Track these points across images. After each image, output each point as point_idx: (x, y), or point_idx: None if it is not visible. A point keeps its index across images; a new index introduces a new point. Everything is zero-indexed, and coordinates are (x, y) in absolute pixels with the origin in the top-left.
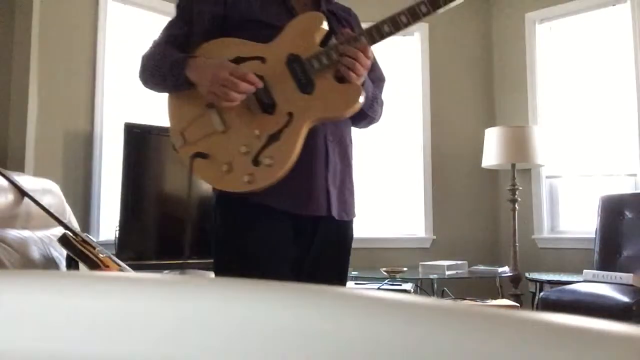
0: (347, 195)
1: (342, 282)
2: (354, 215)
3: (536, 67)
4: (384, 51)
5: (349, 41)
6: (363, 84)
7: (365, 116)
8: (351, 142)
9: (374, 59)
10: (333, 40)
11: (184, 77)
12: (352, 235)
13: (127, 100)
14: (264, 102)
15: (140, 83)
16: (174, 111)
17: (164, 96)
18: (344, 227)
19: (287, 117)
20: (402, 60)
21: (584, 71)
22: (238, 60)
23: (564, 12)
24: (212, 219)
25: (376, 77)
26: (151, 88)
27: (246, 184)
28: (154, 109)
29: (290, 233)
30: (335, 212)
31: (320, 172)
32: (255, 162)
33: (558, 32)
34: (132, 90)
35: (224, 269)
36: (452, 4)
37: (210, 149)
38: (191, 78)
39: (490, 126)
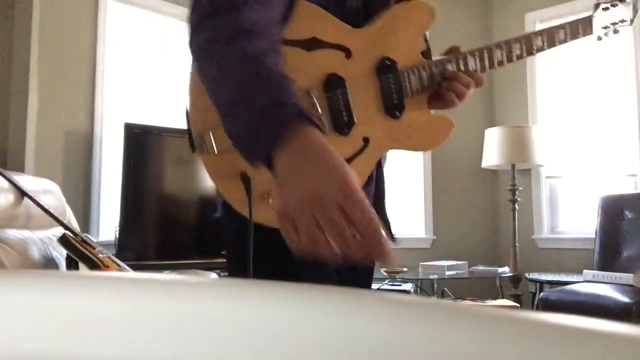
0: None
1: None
2: None
3: (536, 67)
4: None
5: (458, 63)
6: None
7: None
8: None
9: None
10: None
11: (268, 149)
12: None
13: (127, 100)
14: (341, 118)
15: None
16: (201, 97)
17: (164, 96)
18: None
19: (362, 144)
20: None
21: (584, 71)
22: (313, 44)
23: (564, 12)
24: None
25: None
26: (203, 80)
27: None
28: (154, 109)
29: None
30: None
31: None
32: None
33: None
34: (132, 91)
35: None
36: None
37: (249, 169)
38: (279, 159)
39: (490, 126)
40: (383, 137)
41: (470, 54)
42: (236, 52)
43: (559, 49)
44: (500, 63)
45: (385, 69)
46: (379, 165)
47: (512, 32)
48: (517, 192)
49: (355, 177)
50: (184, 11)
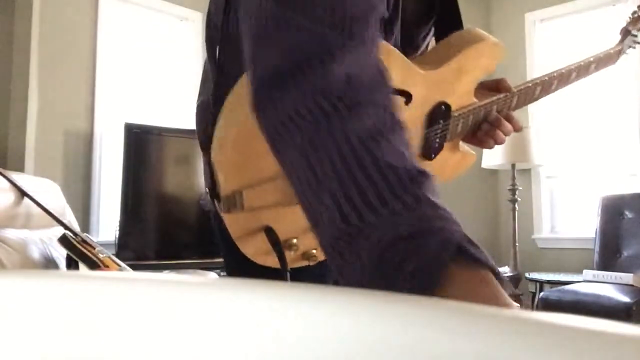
0: None
1: None
2: None
3: (536, 67)
4: None
5: (503, 104)
6: None
7: None
8: None
9: None
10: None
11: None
12: None
13: (127, 100)
14: None
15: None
16: (242, 148)
17: (164, 95)
18: None
19: None
20: None
21: None
22: None
23: (564, 12)
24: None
25: None
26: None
27: (301, 260)
28: (154, 109)
29: None
30: None
31: None
32: None
33: (558, 32)
34: (132, 91)
35: None
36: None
37: (275, 220)
38: None
39: None
40: None
41: (512, 94)
42: (345, 144)
43: (559, 48)
44: (538, 98)
45: (439, 114)
46: None
47: (512, 32)
48: (517, 192)
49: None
50: (185, 11)
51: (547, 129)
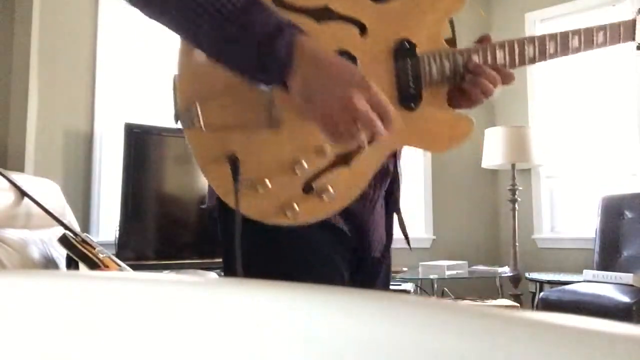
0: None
1: None
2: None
3: (536, 66)
4: None
5: (486, 54)
6: None
7: None
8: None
9: None
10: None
11: (282, 76)
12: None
13: (127, 100)
14: None
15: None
16: (192, 65)
17: (164, 96)
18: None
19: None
20: None
21: (584, 71)
22: (324, 14)
23: (564, 12)
24: (218, 224)
25: None
26: (158, 16)
27: (282, 216)
28: (154, 109)
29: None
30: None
31: (381, 200)
32: (307, 187)
33: None
34: (133, 90)
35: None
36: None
37: (241, 149)
38: (294, 82)
39: (490, 126)
40: (395, 131)
41: (499, 45)
42: None
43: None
44: (532, 60)
45: (404, 52)
46: (396, 164)
47: (512, 31)
48: (517, 192)
49: (372, 89)
50: None
51: (547, 129)
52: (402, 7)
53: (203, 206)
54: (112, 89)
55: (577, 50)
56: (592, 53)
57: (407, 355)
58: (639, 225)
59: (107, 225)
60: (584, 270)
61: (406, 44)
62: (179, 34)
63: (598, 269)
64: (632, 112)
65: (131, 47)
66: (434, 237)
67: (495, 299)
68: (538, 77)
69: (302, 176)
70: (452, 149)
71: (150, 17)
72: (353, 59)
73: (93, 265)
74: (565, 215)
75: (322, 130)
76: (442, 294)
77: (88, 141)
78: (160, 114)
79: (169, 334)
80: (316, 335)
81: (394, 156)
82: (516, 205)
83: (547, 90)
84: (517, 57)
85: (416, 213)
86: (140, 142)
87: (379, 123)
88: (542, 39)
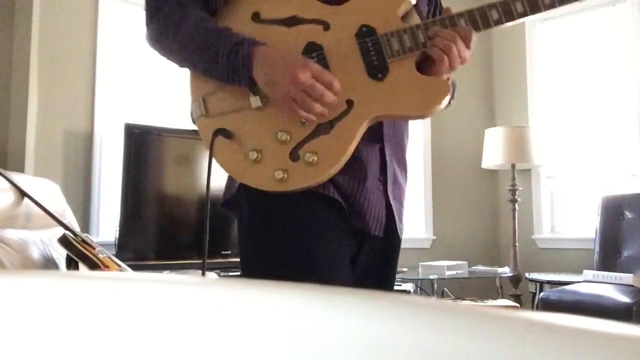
0: (403, 209)
1: None
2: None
3: (536, 66)
4: None
5: (445, 23)
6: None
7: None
8: (408, 141)
9: None
10: (416, 19)
11: (248, 75)
12: (398, 251)
13: (127, 100)
14: None
15: (148, 47)
16: (198, 76)
17: (164, 95)
18: (397, 244)
19: (345, 106)
20: None
21: (585, 71)
22: (293, 21)
23: (564, 12)
24: (238, 215)
25: None
26: (170, 58)
27: (277, 181)
28: (154, 109)
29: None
30: (400, 230)
31: (374, 180)
32: (294, 155)
33: (558, 32)
34: (132, 91)
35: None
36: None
37: (237, 128)
38: (258, 78)
39: (490, 126)
40: (369, 100)
41: (459, 14)
42: (186, 25)
43: (559, 48)
44: (498, 22)
45: (365, 34)
46: (384, 141)
47: (511, 31)
48: (517, 192)
49: (314, 67)
50: None
51: (547, 129)
52: (356, 4)
53: (222, 201)
54: (112, 89)
55: (551, 6)
56: (592, 53)
57: (407, 355)
58: (639, 226)
59: (107, 225)
60: (584, 271)
61: (364, 28)
62: (182, 66)
63: (598, 269)
64: (632, 112)
65: (131, 47)
66: (434, 237)
67: (495, 299)
68: (538, 77)
69: (289, 145)
70: (434, 109)
71: (162, 55)
72: (318, 45)
73: (93, 265)
74: (565, 216)
75: (286, 109)
76: (442, 294)
77: (88, 141)
78: (160, 114)
79: (169, 334)
80: (316, 336)
81: (381, 141)
82: (516, 206)
83: (547, 91)
84: (480, 22)
85: (416, 213)
86: (140, 142)
87: (324, 89)
88: (505, 1)
